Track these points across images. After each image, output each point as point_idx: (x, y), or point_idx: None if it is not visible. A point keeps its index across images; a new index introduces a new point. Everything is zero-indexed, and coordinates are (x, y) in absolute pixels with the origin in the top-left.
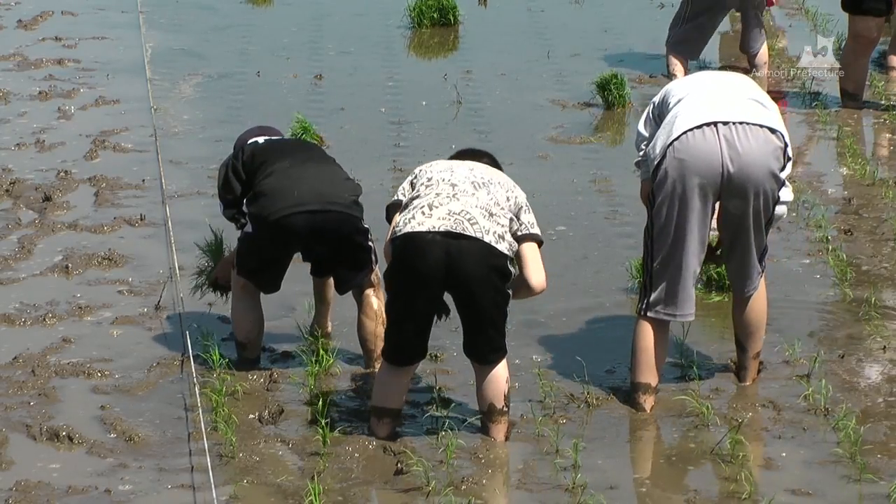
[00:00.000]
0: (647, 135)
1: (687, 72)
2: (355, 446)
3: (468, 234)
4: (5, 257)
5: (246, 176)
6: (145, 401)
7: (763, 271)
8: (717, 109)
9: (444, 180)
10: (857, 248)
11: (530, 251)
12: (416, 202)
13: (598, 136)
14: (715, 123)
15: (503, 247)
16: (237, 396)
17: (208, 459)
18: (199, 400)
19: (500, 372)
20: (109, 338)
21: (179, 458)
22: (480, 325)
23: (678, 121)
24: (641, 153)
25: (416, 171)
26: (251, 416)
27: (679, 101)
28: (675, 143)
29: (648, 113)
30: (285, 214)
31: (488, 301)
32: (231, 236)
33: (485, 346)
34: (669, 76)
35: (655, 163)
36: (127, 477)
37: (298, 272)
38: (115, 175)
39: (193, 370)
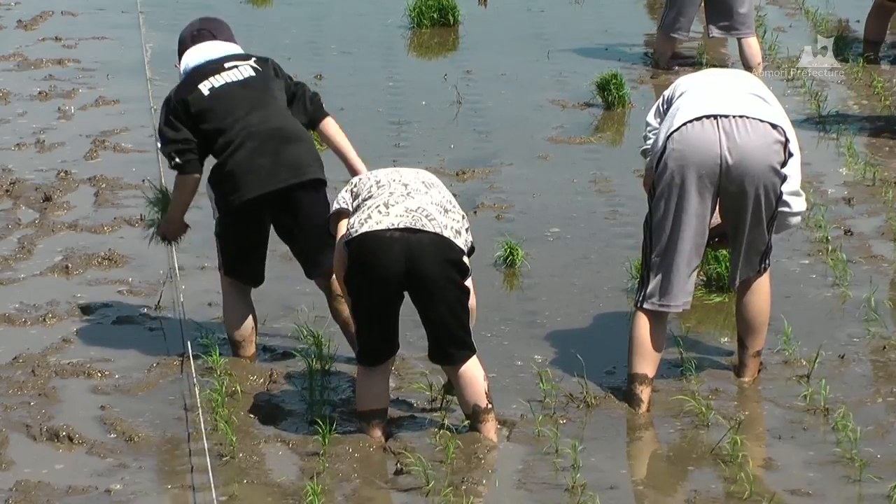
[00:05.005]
0: (654, 125)
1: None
2: (355, 446)
3: (427, 229)
4: (5, 257)
5: (189, 128)
6: (145, 401)
7: (765, 269)
8: (718, 103)
9: (394, 181)
10: (857, 248)
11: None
12: (368, 203)
13: (598, 136)
14: (715, 116)
15: (460, 242)
16: (237, 396)
17: (208, 459)
18: (199, 400)
19: (475, 371)
20: (109, 338)
21: (179, 459)
22: (443, 321)
23: (679, 113)
24: (648, 142)
25: (355, 181)
26: (251, 416)
27: (682, 94)
28: (675, 134)
29: (658, 104)
30: (250, 198)
31: (450, 296)
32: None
33: (450, 344)
34: (654, 62)
35: (657, 155)
36: (127, 477)
37: (298, 272)
38: (115, 175)
39: (193, 370)
